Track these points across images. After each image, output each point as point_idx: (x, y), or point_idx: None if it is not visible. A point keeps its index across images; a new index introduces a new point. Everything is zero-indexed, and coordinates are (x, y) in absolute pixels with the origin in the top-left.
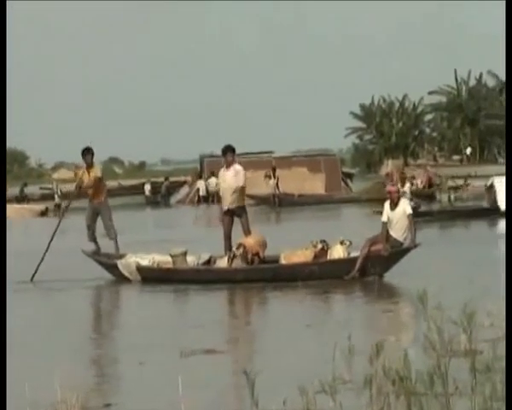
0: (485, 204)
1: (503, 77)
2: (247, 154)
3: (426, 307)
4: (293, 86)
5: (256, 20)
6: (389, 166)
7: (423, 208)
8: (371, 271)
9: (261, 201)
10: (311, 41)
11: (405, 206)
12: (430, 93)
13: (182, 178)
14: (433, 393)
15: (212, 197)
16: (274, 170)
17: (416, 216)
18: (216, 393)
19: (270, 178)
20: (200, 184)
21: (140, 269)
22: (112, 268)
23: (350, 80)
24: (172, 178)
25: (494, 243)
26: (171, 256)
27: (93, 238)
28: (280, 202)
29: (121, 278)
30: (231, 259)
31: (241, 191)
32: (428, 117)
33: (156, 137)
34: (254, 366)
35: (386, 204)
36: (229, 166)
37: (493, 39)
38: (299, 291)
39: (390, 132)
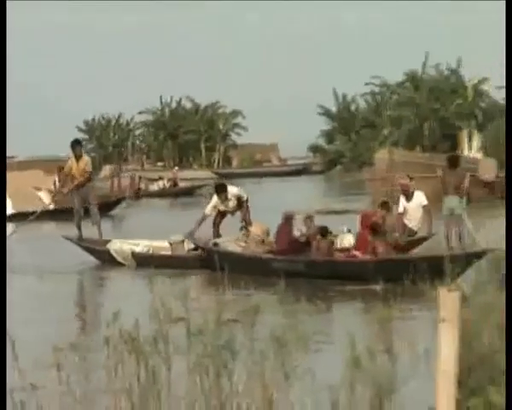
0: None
1: (198, 101)
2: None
3: (153, 283)
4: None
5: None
6: (106, 170)
7: None
8: None
9: None
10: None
11: (421, 198)
12: (140, 113)
13: None
14: (157, 351)
15: None
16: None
17: None
18: None
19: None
20: None
21: (136, 256)
22: (100, 253)
23: (76, 97)
24: None
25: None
26: (170, 244)
27: (79, 224)
28: None
29: (109, 263)
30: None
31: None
32: (139, 131)
33: None
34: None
35: (402, 197)
36: None
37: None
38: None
39: (108, 143)
